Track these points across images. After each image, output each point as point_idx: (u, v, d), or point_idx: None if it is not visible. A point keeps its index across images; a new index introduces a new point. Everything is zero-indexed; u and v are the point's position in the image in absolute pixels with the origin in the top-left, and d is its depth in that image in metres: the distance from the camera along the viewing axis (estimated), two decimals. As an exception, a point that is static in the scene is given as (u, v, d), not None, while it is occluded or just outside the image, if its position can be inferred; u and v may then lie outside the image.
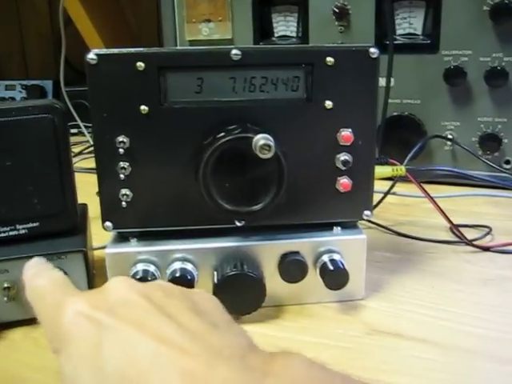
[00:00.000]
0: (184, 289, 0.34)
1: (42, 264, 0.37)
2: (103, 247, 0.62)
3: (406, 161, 0.66)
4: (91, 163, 0.62)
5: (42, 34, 1.67)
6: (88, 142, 1.10)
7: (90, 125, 0.47)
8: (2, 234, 0.49)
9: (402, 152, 0.71)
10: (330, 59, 0.45)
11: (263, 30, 0.93)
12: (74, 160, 1.01)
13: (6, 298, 0.47)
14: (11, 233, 0.49)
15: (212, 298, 0.34)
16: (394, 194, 0.74)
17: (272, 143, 0.42)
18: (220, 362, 0.25)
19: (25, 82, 1.45)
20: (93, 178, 0.48)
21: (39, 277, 0.35)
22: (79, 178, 0.53)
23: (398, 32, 0.85)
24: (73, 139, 1.18)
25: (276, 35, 0.93)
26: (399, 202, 0.78)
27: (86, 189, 0.59)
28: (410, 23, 0.84)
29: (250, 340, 0.30)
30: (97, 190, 0.48)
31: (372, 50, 0.46)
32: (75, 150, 1.08)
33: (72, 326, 0.29)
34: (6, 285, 0.47)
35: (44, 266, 0.36)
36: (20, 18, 1.70)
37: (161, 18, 0.97)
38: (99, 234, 0.56)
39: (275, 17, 0.92)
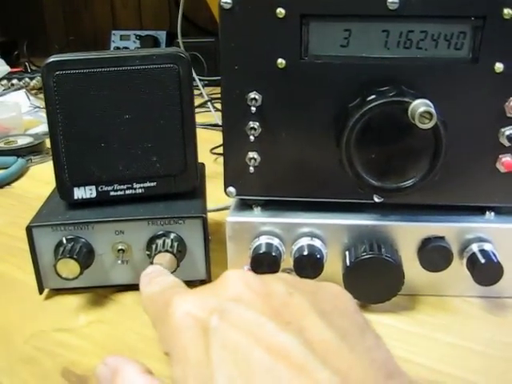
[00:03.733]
0: (309, 282, 0.29)
1: (158, 271, 0.34)
2: (218, 209, 0.59)
3: None
4: (204, 118, 0.58)
5: (157, -16, 1.65)
6: (201, 95, 1.07)
7: (204, 78, 0.42)
8: (119, 193, 0.45)
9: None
10: (508, 11, 0.37)
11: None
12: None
13: (119, 261, 0.44)
14: (128, 191, 0.45)
15: (343, 292, 0.29)
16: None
17: (433, 111, 0.35)
18: None
19: (139, 32, 1.44)
20: (206, 134, 0.43)
21: (152, 284, 0.32)
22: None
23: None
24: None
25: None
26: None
27: (200, 145, 0.54)
28: None
29: (387, 355, 0.25)
30: (211, 146, 0.43)
31: None
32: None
33: (179, 327, 0.26)
34: (120, 247, 0.44)
35: (158, 273, 0.33)
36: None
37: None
38: (213, 195, 0.52)
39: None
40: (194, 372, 0.24)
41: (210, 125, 0.91)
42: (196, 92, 1.10)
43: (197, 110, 1.00)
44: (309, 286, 0.29)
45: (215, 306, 0.26)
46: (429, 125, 0.35)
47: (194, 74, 1.01)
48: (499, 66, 0.39)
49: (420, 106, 0.35)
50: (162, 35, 1.39)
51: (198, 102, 1.06)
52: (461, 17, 0.39)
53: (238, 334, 0.24)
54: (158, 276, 0.33)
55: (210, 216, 0.54)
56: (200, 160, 0.55)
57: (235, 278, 0.28)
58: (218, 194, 0.47)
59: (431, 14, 0.39)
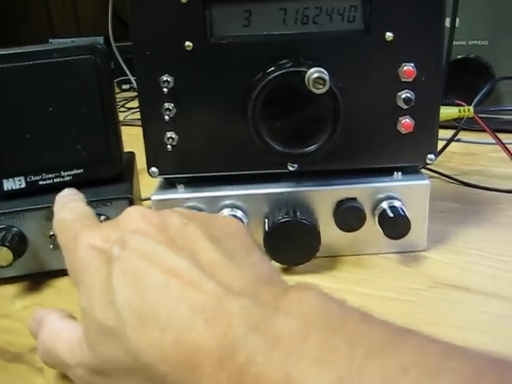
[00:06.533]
0: (204, 214, 0.32)
1: (72, 195, 0.37)
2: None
3: (473, 103, 0.61)
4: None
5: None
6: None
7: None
8: (47, 181, 0.47)
9: (468, 98, 0.65)
10: (391, -16, 0.41)
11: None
12: (126, 114, 1.00)
13: (51, 246, 0.46)
14: (56, 180, 0.47)
15: (234, 221, 0.32)
16: (458, 140, 0.69)
17: (326, 76, 0.38)
18: (229, 298, 0.24)
19: (76, 40, 1.44)
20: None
21: (64, 209, 0.34)
22: (131, 132, 0.51)
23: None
24: (124, 94, 1.17)
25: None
26: (463, 150, 0.73)
27: (138, 141, 0.56)
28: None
29: (270, 269, 0.29)
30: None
31: (438, -29, 0.41)
32: (127, 105, 1.07)
33: (84, 259, 0.29)
34: (51, 232, 0.45)
35: (72, 198, 0.36)
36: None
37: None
38: (150, 186, 0.54)
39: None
40: (99, 299, 0.27)
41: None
42: (135, 94, 1.12)
43: (135, 109, 1.02)
44: (203, 217, 0.32)
45: (116, 236, 0.29)
46: (323, 90, 0.38)
47: (131, 76, 1.04)
48: (389, 35, 0.42)
49: (314, 73, 0.38)
50: (99, 41, 1.40)
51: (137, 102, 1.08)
52: (350, -9, 0.42)
53: (136, 260, 0.27)
54: (71, 201, 0.35)
55: (146, 203, 0.56)
56: (138, 155, 0.58)
57: (135, 213, 0.31)
58: (153, 184, 0.49)
59: (323, -9, 0.42)
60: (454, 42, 0.74)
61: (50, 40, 1.43)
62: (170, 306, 0.25)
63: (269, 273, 0.29)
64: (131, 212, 0.31)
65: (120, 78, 1.16)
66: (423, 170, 0.49)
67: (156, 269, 0.26)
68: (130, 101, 1.07)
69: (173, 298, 0.25)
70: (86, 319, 0.28)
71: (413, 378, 0.20)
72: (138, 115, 0.94)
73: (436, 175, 0.63)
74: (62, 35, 1.63)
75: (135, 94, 1.12)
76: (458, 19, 0.75)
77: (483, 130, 0.63)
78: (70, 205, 0.35)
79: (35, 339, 0.34)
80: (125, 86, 1.17)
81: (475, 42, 0.79)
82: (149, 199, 0.59)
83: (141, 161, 0.57)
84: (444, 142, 0.63)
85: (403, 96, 0.43)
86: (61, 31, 1.70)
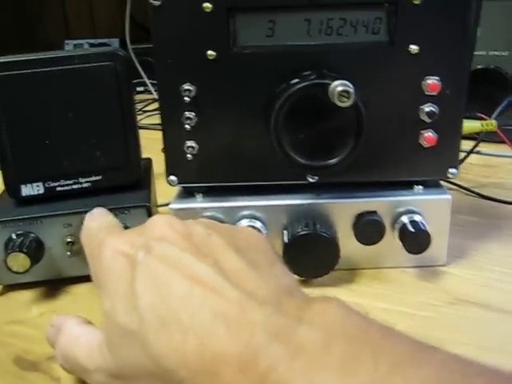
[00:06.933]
0: (228, 225, 0.33)
1: (100, 212, 0.37)
2: (168, 204, 0.60)
3: (493, 116, 0.60)
4: (157, 120, 0.60)
5: (109, -7, 1.66)
6: (154, 99, 1.08)
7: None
8: (66, 188, 0.47)
9: (487, 108, 0.65)
10: (417, -3, 0.40)
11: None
12: (141, 117, 1.00)
13: (69, 253, 0.46)
14: (74, 186, 0.47)
15: (257, 234, 0.33)
16: (478, 153, 0.69)
17: (351, 89, 0.37)
18: (252, 306, 0.25)
19: (92, 41, 1.44)
20: (159, 135, 0.45)
21: (92, 221, 0.35)
22: (145, 135, 0.50)
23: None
24: (139, 97, 1.17)
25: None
26: (482, 162, 0.72)
27: (153, 146, 0.56)
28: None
29: (291, 282, 0.29)
30: (163, 146, 0.45)
31: (466, -15, 0.40)
32: (141, 107, 1.07)
33: (109, 263, 0.29)
34: (69, 239, 0.45)
35: (100, 214, 0.36)
36: (88, -24, 1.69)
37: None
38: (165, 192, 0.54)
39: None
40: (122, 303, 0.27)
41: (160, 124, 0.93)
42: (150, 96, 1.12)
43: (149, 112, 1.02)
44: (227, 228, 0.32)
45: (142, 242, 0.29)
46: (347, 103, 0.38)
47: (146, 78, 1.03)
48: (414, 48, 0.42)
49: (338, 86, 0.38)
50: (115, 43, 1.40)
51: (152, 106, 1.08)
52: (375, 3, 0.41)
53: (160, 265, 0.27)
54: (99, 216, 0.36)
55: (162, 211, 0.56)
56: (153, 159, 0.57)
57: (160, 221, 0.31)
58: (169, 190, 0.49)
59: (348, 2, 0.41)
60: (474, 53, 0.74)
61: (66, 41, 1.44)
62: (193, 311, 0.25)
63: (291, 285, 0.29)
64: (157, 220, 0.31)
65: (135, 81, 1.15)
66: (441, 182, 0.48)
67: (179, 274, 0.26)
68: (147, 105, 1.07)
69: (195, 304, 0.25)
70: (108, 323, 0.28)
71: None
72: (153, 119, 0.95)
73: (454, 187, 0.63)
74: (78, 36, 1.64)
75: (150, 96, 1.12)
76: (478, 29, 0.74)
77: (502, 142, 0.62)
78: (98, 217, 0.36)
79: (52, 347, 0.34)
80: (139, 89, 1.17)
81: (495, 53, 0.78)
82: (165, 205, 0.59)
83: (156, 166, 0.57)
84: (463, 154, 0.63)
85: (426, 110, 0.43)
86: (76, 32, 1.70)
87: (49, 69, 0.44)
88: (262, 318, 0.24)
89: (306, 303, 0.25)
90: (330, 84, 0.38)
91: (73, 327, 0.33)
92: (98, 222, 0.35)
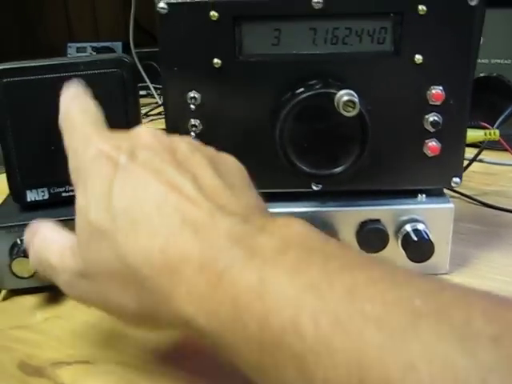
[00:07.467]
0: (211, 148, 0.33)
1: (81, 89, 0.37)
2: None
3: (496, 125, 0.60)
4: (160, 124, 0.60)
5: (112, -4, 1.66)
6: (157, 103, 1.08)
7: (160, 86, 0.45)
8: (70, 193, 0.47)
9: (489, 117, 0.65)
10: (422, 7, 0.41)
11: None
12: (144, 122, 1.00)
13: (73, 258, 0.46)
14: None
15: (238, 163, 0.34)
16: (480, 161, 0.69)
17: (356, 99, 0.38)
18: (222, 215, 0.26)
19: (95, 44, 1.45)
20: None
21: (74, 104, 0.35)
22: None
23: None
24: (142, 101, 1.17)
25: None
26: (484, 169, 0.73)
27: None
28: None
29: (262, 205, 0.31)
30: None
31: (471, -4, 0.41)
32: (144, 111, 1.07)
33: (92, 162, 0.30)
34: (73, 245, 0.46)
35: (80, 92, 0.36)
36: (91, -21, 1.70)
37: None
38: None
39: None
40: (97, 201, 0.28)
41: (165, 129, 0.93)
42: (153, 100, 1.12)
43: (152, 116, 1.03)
44: (210, 151, 0.33)
45: (127, 148, 0.30)
46: (353, 113, 0.38)
47: (149, 82, 1.04)
48: (419, 58, 0.42)
49: (344, 95, 0.38)
50: (118, 46, 1.41)
51: (156, 110, 1.09)
52: (381, 13, 0.42)
53: (141, 171, 0.28)
54: (80, 96, 0.36)
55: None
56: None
57: (147, 131, 0.32)
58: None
59: (354, 12, 0.42)
60: (477, 61, 0.74)
61: (69, 44, 1.44)
62: (164, 214, 0.26)
63: (261, 206, 0.31)
64: (144, 129, 0.32)
65: (138, 85, 1.16)
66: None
67: (158, 181, 0.27)
68: (151, 110, 1.07)
69: (168, 208, 0.26)
70: (80, 220, 0.29)
71: (380, 289, 0.21)
72: (157, 123, 0.95)
73: (456, 195, 0.63)
74: (80, 38, 1.64)
75: (153, 100, 1.12)
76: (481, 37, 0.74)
77: (505, 150, 0.63)
78: (79, 100, 0.35)
79: (28, 252, 0.35)
80: (142, 92, 1.17)
81: (498, 61, 0.79)
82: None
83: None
84: (465, 162, 0.63)
85: (431, 119, 0.43)
86: (79, 34, 1.71)
87: (55, 75, 0.45)
88: (228, 226, 0.26)
89: (271, 218, 0.27)
90: (335, 93, 0.38)
91: (47, 231, 0.34)
92: (81, 110, 0.34)
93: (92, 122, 0.34)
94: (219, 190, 0.28)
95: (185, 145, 0.31)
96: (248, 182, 0.32)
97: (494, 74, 0.78)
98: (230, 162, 0.33)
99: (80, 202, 0.29)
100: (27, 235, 0.35)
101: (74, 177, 0.31)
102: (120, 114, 0.46)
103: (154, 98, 1.09)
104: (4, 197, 0.50)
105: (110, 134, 0.33)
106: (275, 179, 0.45)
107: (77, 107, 0.35)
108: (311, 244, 0.25)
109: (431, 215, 0.45)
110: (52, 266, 0.32)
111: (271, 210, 0.44)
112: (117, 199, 0.27)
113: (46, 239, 0.33)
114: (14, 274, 0.44)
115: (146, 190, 0.27)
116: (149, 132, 0.32)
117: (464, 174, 0.64)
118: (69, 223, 0.45)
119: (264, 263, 0.23)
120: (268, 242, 0.24)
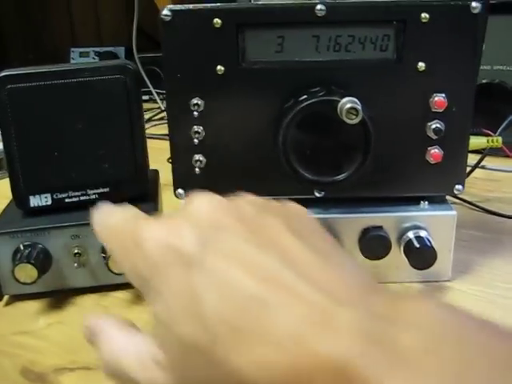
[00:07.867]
0: (273, 202, 0.28)
1: (114, 207, 0.30)
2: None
3: (498, 131, 0.61)
4: (162, 130, 0.60)
5: (115, 1, 1.66)
6: (159, 108, 1.09)
7: (162, 91, 0.45)
8: (73, 199, 0.47)
9: (492, 123, 0.65)
10: (425, 15, 0.41)
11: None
12: (146, 126, 1.00)
13: (76, 264, 0.46)
14: (82, 198, 0.47)
15: (302, 208, 0.29)
16: (482, 167, 0.69)
17: (359, 107, 0.38)
18: (339, 310, 0.21)
19: (98, 49, 1.45)
20: (164, 145, 0.46)
21: (109, 216, 0.29)
22: (150, 145, 0.51)
23: (491, -8, 0.78)
24: (144, 106, 1.17)
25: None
26: (486, 176, 0.73)
27: (157, 155, 0.57)
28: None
29: (365, 271, 0.25)
30: (168, 156, 0.46)
31: (474, 4, 0.41)
32: (147, 116, 1.08)
33: (156, 260, 0.25)
34: (76, 250, 0.46)
35: (112, 207, 0.30)
36: (94, -16, 1.70)
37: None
38: (171, 201, 0.54)
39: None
40: (181, 310, 0.23)
41: (167, 135, 0.93)
42: (155, 105, 1.13)
43: (155, 121, 1.03)
44: (274, 205, 0.28)
45: (190, 233, 0.25)
46: (355, 120, 0.38)
47: (151, 87, 1.04)
48: (421, 65, 0.42)
49: (347, 103, 0.38)
50: (120, 51, 1.41)
51: (155, 114, 1.09)
52: (384, 21, 0.42)
53: (222, 263, 0.23)
54: (112, 209, 0.30)
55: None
56: (159, 170, 0.58)
57: (202, 200, 0.27)
58: (175, 201, 0.49)
59: (357, 20, 0.42)
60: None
61: (72, 49, 1.45)
62: (270, 318, 0.21)
63: (367, 276, 0.24)
64: (198, 201, 0.27)
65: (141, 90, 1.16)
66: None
67: (246, 274, 0.22)
68: (154, 115, 1.07)
69: (271, 312, 0.21)
70: (164, 332, 0.24)
71: None
72: (159, 128, 0.95)
73: (458, 201, 0.63)
74: (83, 43, 1.65)
75: (155, 105, 1.12)
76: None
77: (507, 156, 0.63)
78: (115, 210, 0.30)
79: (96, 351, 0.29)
80: (144, 97, 1.17)
81: (500, 67, 0.79)
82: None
83: (162, 176, 0.57)
84: (468, 168, 0.63)
85: (433, 126, 0.43)
86: (82, 39, 1.71)
87: (59, 81, 0.45)
88: (352, 323, 0.20)
89: (397, 301, 0.21)
90: (338, 101, 0.39)
91: (115, 333, 0.28)
92: (115, 215, 0.29)
93: (132, 217, 0.28)
94: (317, 267, 0.23)
95: (249, 207, 0.27)
96: (330, 239, 0.27)
97: (497, 81, 0.78)
98: (299, 214, 0.28)
99: (158, 312, 0.24)
100: (85, 331, 0.29)
101: (137, 284, 0.26)
102: (123, 120, 0.46)
103: (157, 102, 1.10)
104: (7, 201, 0.50)
105: (161, 220, 0.27)
106: (278, 186, 0.45)
107: (112, 217, 0.29)
108: (465, 336, 0.19)
109: (434, 222, 0.45)
110: (132, 378, 0.26)
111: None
112: (207, 307, 0.22)
113: (116, 345, 0.28)
114: (16, 279, 0.44)
115: (236, 289, 0.22)
116: (203, 203, 0.27)
117: (466, 181, 0.64)
118: (71, 228, 0.45)
119: (414, 374, 0.18)
120: (409, 340, 0.19)
